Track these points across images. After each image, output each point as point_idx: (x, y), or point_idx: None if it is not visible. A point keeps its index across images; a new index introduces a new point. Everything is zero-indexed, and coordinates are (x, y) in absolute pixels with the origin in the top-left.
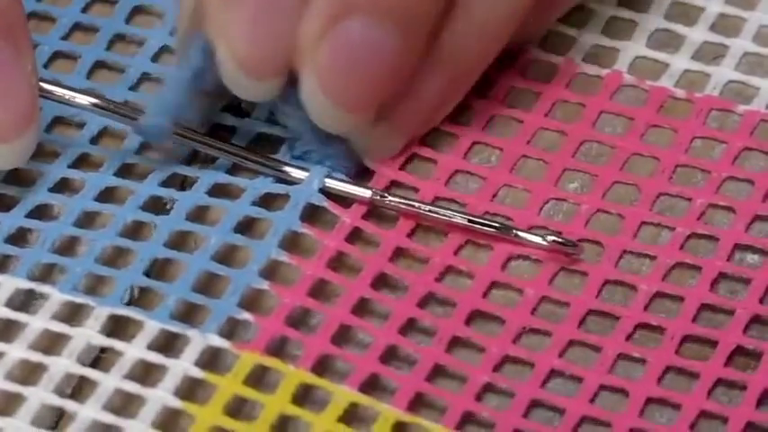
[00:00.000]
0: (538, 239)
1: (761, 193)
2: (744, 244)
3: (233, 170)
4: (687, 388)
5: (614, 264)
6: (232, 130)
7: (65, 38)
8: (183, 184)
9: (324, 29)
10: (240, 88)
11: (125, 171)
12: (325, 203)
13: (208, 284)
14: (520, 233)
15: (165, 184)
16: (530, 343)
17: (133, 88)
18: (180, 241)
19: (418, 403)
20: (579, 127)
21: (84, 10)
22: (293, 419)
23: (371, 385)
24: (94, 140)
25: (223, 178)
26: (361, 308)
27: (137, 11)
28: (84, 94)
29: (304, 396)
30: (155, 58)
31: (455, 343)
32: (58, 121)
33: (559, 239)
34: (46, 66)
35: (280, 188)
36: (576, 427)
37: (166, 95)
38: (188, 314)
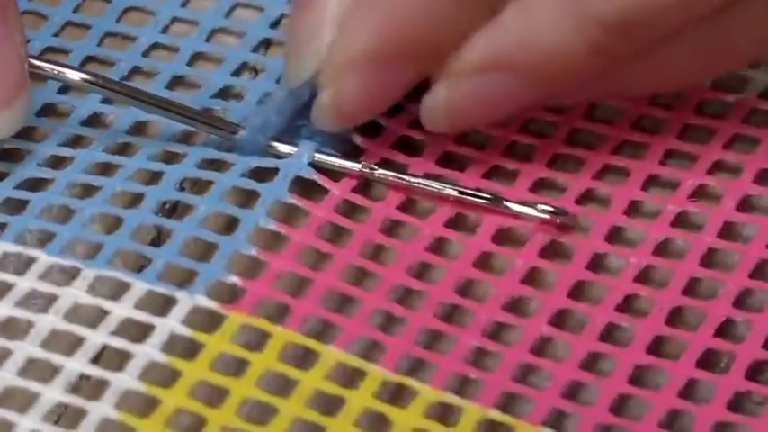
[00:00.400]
0: (530, 210)
1: (751, 173)
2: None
3: (223, 147)
4: (676, 357)
5: (603, 238)
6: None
7: (56, 35)
8: (173, 161)
9: (473, 69)
10: (325, 125)
11: (114, 150)
12: (315, 177)
13: (196, 250)
14: (511, 204)
15: (155, 158)
16: (518, 312)
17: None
18: (170, 210)
19: (406, 364)
20: (573, 115)
21: (76, 9)
22: (280, 376)
23: (360, 347)
24: (85, 123)
25: (213, 154)
26: (351, 275)
27: (129, 9)
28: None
29: (292, 356)
30: (146, 54)
31: (444, 308)
32: (47, 108)
33: (551, 209)
34: None
35: (269, 162)
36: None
37: (271, 117)
38: (176, 277)
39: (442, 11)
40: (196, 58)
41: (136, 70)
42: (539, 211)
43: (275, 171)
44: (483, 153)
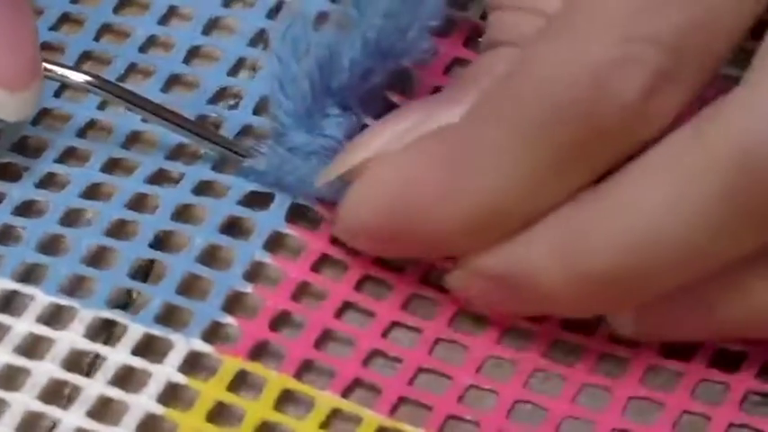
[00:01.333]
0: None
1: None
2: None
3: (219, 166)
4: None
5: None
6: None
7: (53, 29)
8: (168, 182)
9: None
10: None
11: (111, 166)
12: (311, 204)
13: (192, 286)
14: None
15: (151, 180)
16: (512, 342)
17: (121, 79)
18: (165, 241)
19: (401, 407)
20: None
21: (75, 1)
22: (276, 426)
23: (355, 390)
24: (81, 133)
25: (208, 175)
26: (345, 309)
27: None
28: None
29: (287, 400)
30: (142, 49)
31: (439, 344)
32: (44, 113)
33: None
34: None
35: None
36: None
37: (289, 181)
38: (172, 317)
39: (455, 236)
40: (193, 53)
41: (132, 67)
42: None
43: (271, 196)
44: None
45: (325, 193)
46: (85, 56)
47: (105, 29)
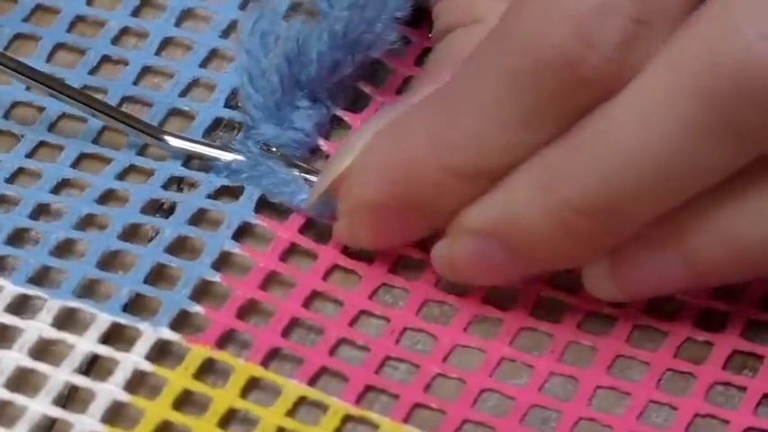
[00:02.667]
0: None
1: None
2: None
3: (188, 162)
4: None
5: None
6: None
7: (26, 19)
8: (139, 178)
9: (467, 233)
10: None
11: (82, 161)
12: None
13: (160, 276)
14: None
15: (121, 176)
16: (481, 330)
17: (94, 70)
18: (133, 233)
19: (368, 396)
20: None
21: None
22: (243, 413)
23: (321, 378)
24: (53, 126)
25: (179, 171)
26: (314, 299)
27: None
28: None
29: (254, 388)
30: (115, 41)
31: (406, 333)
32: (17, 104)
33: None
34: (6, 47)
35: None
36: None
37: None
38: (140, 306)
39: (448, 182)
40: (165, 43)
41: (105, 58)
42: None
43: (240, 188)
44: None
45: (315, 208)
46: (59, 46)
47: (79, 20)
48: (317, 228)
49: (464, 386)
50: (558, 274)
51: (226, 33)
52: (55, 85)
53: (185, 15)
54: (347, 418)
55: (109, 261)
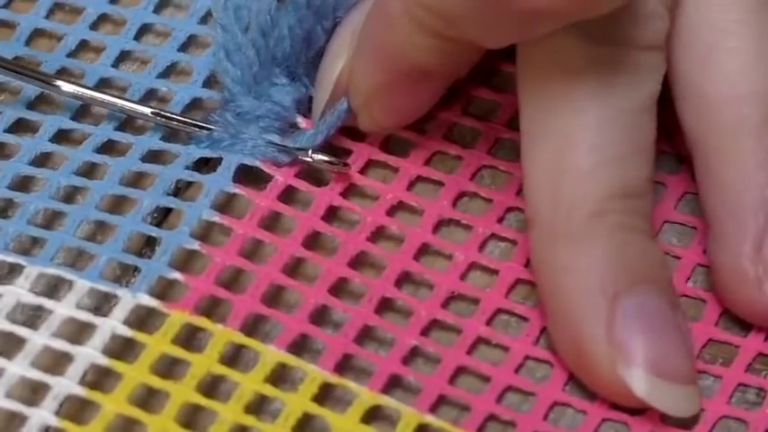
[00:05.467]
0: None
1: None
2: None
3: (168, 136)
4: None
5: None
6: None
7: (5, 6)
8: (117, 152)
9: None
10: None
11: (61, 137)
12: (258, 163)
13: (139, 246)
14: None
15: (100, 150)
16: (458, 309)
17: (72, 55)
18: (114, 205)
19: (345, 365)
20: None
21: None
22: (221, 378)
23: (300, 346)
24: (31, 105)
25: (157, 145)
26: (292, 267)
27: None
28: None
29: (233, 356)
30: (93, 27)
31: (384, 305)
32: None
33: (326, 158)
34: None
35: (214, 153)
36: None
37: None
38: (119, 274)
39: (426, 42)
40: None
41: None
42: (313, 159)
43: (218, 160)
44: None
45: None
46: (37, 33)
47: (57, 6)
48: (295, 195)
49: (440, 363)
50: None
51: (204, 20)
52: None
53: (163, 3)
54: (325, 386)
55: (89, 231)
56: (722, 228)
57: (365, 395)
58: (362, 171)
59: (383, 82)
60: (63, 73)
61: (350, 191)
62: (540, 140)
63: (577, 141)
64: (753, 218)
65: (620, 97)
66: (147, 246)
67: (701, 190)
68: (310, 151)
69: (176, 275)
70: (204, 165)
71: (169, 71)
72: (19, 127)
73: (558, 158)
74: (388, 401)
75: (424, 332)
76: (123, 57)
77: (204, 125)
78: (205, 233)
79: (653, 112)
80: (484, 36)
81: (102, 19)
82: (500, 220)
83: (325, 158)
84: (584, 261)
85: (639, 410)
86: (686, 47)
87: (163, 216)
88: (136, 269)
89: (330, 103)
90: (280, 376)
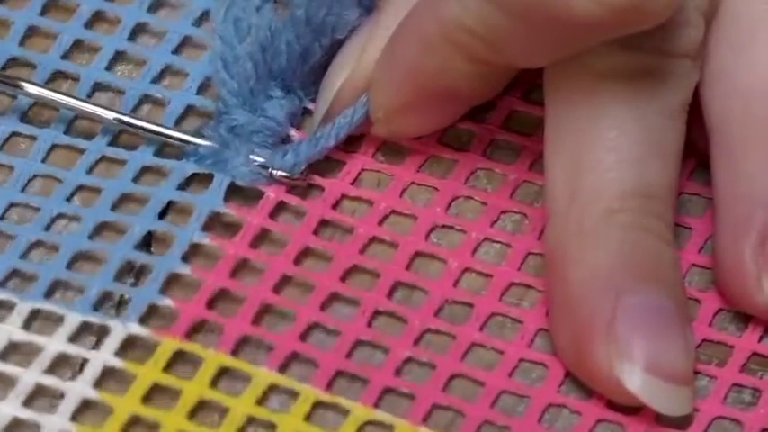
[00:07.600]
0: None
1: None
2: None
3: (160, 151)
4: None
5: (537, 237)
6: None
7: None
8: (111, 172)
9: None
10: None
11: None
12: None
13: (128, 271)
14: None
15: (91, 171)
16: (452, 314)
17: (66, 56)
18: (105, 231)
19: (338, 381)
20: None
21: None
22: (213, 403)
23: (291, 365)
24: (24, 116)
25: (151, 161)
26: (284, 283)
27: None
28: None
29: (224, 376)
30: (88, 25)
31: (377, 314)
32: None
33: (285, 174)
34: None
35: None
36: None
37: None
38: (109, 305)
39: (463, 68)
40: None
41: (77, 44)
42: (275, 177)
43: (210, 177)
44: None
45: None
46: (30, 30)
47: (50, 5)
48: (286, 213)
49: (434, 371)
50: None
51: (198, 22)
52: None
53: (158, 4)
54: (318, 405)
55: (79, 259)
56: (730, 215)
57: (358, 410)
58: (357, 178)
59: (409, 102)
60: (58, 77)
61: (343, 200)
62: (563, 137)
63: (599, 140)
64: (762, 211)
65: (647, 102)
66: (137, 270)
67: (715, 174)
68: (270, 169)
69: (167, 301)
70: (196, 176)
71: (164, 74)
72: (12, 144)
73: (579, 155)
74: (382, 416)
75: (417, 341)
76: (118, 57)
77: (188, 139)
78: (195, 255)
79: (681, 119)
80: (526, 57)
81: (97, 17)
82: (494, 223)
83: (285, 174)
84: (593, 256)
85: (635, 410)
86: (723, 32)
87: (151, 236)
88: (126, 296)
89: (328, 115)
90: (272, 397)
